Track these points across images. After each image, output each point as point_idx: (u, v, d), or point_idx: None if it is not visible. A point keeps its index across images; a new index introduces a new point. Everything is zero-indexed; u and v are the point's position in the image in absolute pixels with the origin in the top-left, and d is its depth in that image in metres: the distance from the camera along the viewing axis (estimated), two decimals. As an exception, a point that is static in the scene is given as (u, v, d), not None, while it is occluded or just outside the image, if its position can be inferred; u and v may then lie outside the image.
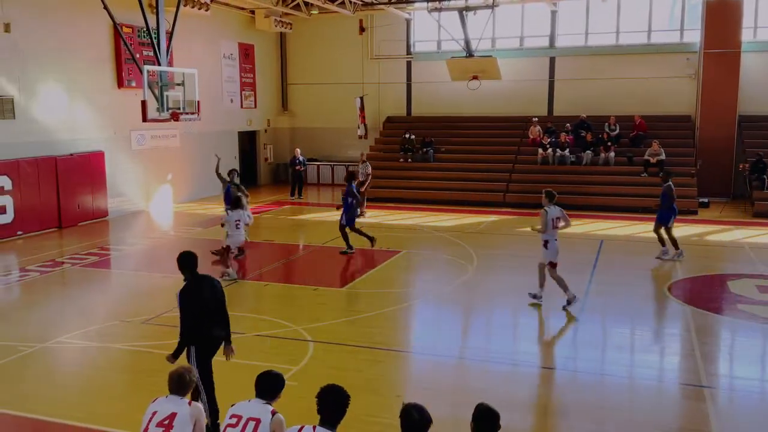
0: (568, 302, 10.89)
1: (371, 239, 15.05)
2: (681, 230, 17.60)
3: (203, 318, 6.61)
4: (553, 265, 10.85)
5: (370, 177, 19.83)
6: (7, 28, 16.33)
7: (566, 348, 9.55)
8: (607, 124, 23.37)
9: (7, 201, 16.47)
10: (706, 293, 12.19)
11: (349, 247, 14.93)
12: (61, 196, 17.86)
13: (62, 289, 12.76)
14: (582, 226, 18.31)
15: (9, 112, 16.63)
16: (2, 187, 16.32)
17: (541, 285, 11.11)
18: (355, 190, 14.97)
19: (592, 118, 23.73)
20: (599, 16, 25.08)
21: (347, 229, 14.95)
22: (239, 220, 12.86)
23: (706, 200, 21.12)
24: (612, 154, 22.58)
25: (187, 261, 6.69)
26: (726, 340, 10.14)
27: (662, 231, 14.41)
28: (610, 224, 18.60)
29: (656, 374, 8.72)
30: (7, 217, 16.50)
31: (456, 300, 11.87)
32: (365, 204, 20.01)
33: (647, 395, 7.93)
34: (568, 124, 23.66)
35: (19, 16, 16.67)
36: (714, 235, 17.50)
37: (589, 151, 22.79)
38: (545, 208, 10.85)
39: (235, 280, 12.62)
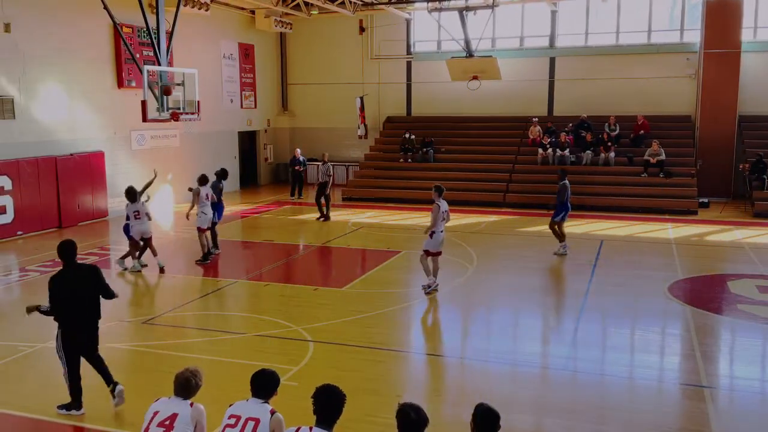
0: (428, 286, 11.69)
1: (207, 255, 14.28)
2: (681, 230, 17.65)
3: (70, 306, 6.99)
4: (431, 254, 11.65)
5: (332, 178, 19.40)
6: (7, 28, 16.34)
7: (566, 348, 9.55)
8: (607, 124, 23.38)
9: (7, 201, 16.47)
10: (706, 293, 12.20)
11: (216, 246, 14.85)
12: (61, 196, 17.86)
13: (62, 289, 12.74)
14: (582, 226, 18.32)
15: (9, 112, 16.64)
16: (2, 187, 16.33)
17: (429, 273, 11.77)
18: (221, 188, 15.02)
19: (591, 118, 23.74)
20: (599, 16, 25.10)
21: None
22: (138, 212, 13.32)
23: (706, 200, 21.13)
24: (612, 154, 22.59)
25: (62, 250, 7.14)
26: (726, 340, 10.14)
27: (555, 226, 14.94)
28: (609, 224, 18.61)
29: (656, 374, 8.72)
30: (7, 217, 16.50)
31: (456, 300, 11.88)
32: (329, 206, 19.48)
33: (647, 395, 7.94)
34: (570, 124, 23.70)
35: (19, 16, 16.67)
36: (714, 235, 17.50)
37: (589, 151, 22.80)
38: (437, 202, 11.57)
39: (138, 271, 13.51)
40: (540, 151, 23.19)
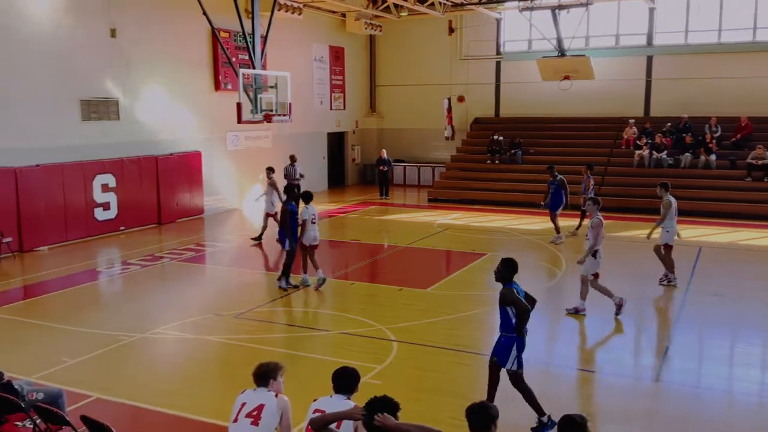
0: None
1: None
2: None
3: None
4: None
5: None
6: (113, 33, 17.26)
7: (659, 359, 9.18)
8: (707, 125, 22.28)
9: (112, 198, 17.41)
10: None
11: None
12: (161, 194, 18.72)
13: (161, 283, 13.39)
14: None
15: (114, 114, 17.58)
16: (107, 185, 17.27)
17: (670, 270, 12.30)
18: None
19: (691, 119, 22.73)
20: (700, 13, 23.92)
21: None
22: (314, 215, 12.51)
23: (817, 206, 19.77)
24: (713, 157, 21.51)
25: None
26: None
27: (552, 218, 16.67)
28: (709, 230, 17.72)
29: (757, 389, 8.20)
30: (111, 213, 17.45)
31: (543, 305, 11.58)
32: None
33: (747, 410, 7.50)
34: (668, 124, 22.78)
35: (124, 21, 17.57)
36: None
37: (688, 154, 21.80)
38: (666, 198, 12.12)
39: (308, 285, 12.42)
40: (636, 151, 22.36)
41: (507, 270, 6.98)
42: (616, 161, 22.94)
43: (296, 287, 12.19)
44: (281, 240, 12.23)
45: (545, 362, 9.24)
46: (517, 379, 6.97)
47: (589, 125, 25.05)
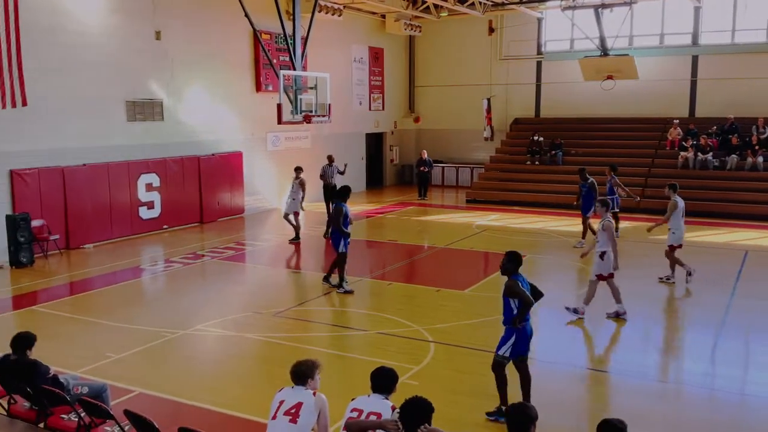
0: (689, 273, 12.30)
1: None
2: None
3: None
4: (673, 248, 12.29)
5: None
6: (158, 35, 17.60)
7: (704, 364, 8.98)
8: (755, 126, 21.70)
9: (156, 197, 17.77)
10: None
11: None
12: (203, 194, 19.03)
13: (202, 281, 13.62)
14: (725, 236, 17.13)
15: (158, 114, 17.93)
16: (151, 184, 17.63)
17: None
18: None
19: (738, 120, 22.16)
20: (747, 12, 23.31)
21: None
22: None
23: None
24: (760, 158, 20.94)
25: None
26: None
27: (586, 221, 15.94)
28: (756, 234, 17.25)
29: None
30: (155, 212, 17.81)
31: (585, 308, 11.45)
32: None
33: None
34: (714, 126, 22.25)
35: (169, 24, 17.88)
36: None
37: (734, 156, 21.26)
38: (674, 199, 12.14)
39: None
40: (681, 153, 21.90)
41: (511, 263, 7.17)
42: (660, 162, 22.52)
43: (351, 291, 12.10)
44: (335, 242, 12.02)
45: (583, 366, 9.14)
46: (499, 366, 7.07)
47: (632, 126, 24.62)
